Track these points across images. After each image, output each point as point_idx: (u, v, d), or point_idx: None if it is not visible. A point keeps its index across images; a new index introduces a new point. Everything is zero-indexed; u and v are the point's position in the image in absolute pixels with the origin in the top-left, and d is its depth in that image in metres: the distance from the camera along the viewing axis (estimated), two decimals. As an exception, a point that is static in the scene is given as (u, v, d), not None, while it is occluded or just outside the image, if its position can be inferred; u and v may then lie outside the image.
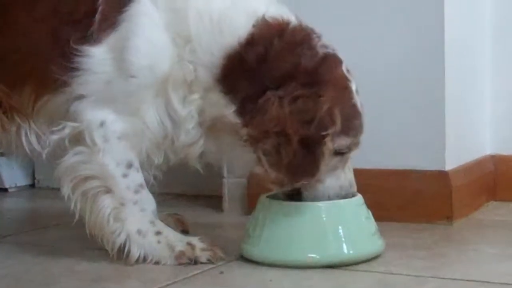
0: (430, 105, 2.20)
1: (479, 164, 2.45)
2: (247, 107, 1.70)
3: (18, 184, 3.14)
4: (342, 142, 1.71)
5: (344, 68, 1.73)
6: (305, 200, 1.75)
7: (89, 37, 1.75)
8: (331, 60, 1.72)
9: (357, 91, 1.74)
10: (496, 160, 2.54)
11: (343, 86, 1.72)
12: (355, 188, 1.79)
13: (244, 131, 1.70)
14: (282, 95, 1.66)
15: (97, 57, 1.74)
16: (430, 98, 2.20)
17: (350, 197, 1.77)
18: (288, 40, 1.70)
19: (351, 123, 1.72)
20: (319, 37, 1.74)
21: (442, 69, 2.19)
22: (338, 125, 1.67)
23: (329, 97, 1.67)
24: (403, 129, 2.23)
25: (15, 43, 1.81)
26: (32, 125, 1.84)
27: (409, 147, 2.22)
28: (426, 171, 2.19)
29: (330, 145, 1.68)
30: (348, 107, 1.71)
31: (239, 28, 1.71)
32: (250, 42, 1.70)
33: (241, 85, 1.71)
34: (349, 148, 1.74)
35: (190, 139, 1.79)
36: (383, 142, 2.21)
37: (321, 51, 1.72)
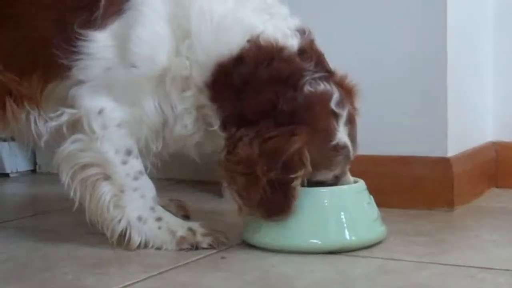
0: (432, 91, 2.20)
1: (480, 150, 2.45)
2: (228, 127, 1.70)
3: (19, 169, 3.14)
4: (326, 176, 1.72)
5: (333, 104, 1.67)
6: None
7: (94, 22, 1.74)
8: (315, 100, 1.67)
9: (350, 120, 1.71)
10: (498, 147, 2.54)
11: (322, 128, 1.68)
12: None
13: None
14: (253, 137, 1.65)
15: (100, 42, 1.74)
16: (432, 84, 2.20)
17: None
18: (273, 72, 1.66)
19: (332, 160, 1.70)
20: (315, 67, 1.69)
21: (444, 56, 2.18)
22: (308, 167, 1.65)
23: (302, 138, 1.63)
24: (405, 116, 2.22)
25: (23, 33, 1.80)
26: (41, 111, 1.83)
27: (411, 133, 2.22)
28: (428, 157, 2.19)
29: (298, 186, 1.66)
30: (326, 148, 1.68)
31: (233, 41, 1.69)
32: (239, 60, 1.68)
33: (226, 100, 1.69)
34: (336, 178, 1.74)
35: (186, 132, 1.78)
36: (385, 129, 2.20)
37: (306, 89, 1.67)
